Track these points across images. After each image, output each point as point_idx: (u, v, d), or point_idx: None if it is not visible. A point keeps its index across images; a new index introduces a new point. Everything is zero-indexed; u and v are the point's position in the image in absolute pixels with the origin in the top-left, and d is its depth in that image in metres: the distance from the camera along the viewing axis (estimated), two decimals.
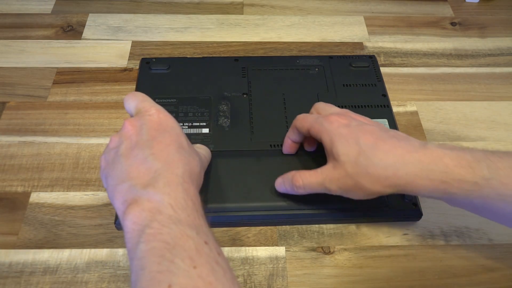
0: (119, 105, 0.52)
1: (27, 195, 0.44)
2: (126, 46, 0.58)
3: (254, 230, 0.42)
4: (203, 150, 0.41)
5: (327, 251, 0.41)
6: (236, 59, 0.54)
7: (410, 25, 0.63)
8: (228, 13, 0.64)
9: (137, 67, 0.55)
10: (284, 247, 0.41)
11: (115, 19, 0.62)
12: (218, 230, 0.42)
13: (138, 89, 0.51)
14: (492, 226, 0.43)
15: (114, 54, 0.57)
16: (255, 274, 0.40)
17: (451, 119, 0.52)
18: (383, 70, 0.56)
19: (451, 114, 0.53)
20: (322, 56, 0.55)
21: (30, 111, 0.51)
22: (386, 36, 0.62)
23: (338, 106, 0.49)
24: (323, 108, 0.42)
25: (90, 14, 0.62)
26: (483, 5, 0.67)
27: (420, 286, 0.39)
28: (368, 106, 0.50)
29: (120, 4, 0.64)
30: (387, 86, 0.53)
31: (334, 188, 0.36)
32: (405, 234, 0.43)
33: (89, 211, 0.43)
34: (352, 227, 0.43)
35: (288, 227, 0.43)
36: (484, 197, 0.31)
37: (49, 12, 0.62)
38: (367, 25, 0.63)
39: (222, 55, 0.58)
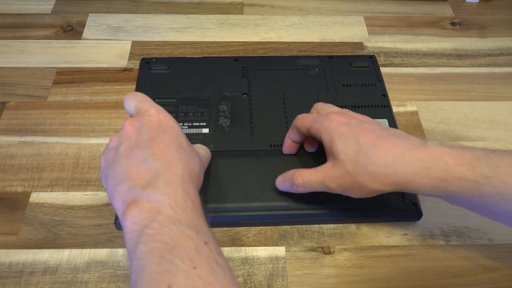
0: (119, 105, 0.52)
1: (27, 195, 0.44)
2: (126, 46, 0.58)
3: (254, 230, 0.42)
4: (203, 150, 0.41)
5: (327, 251, 0.41)
6: (236, 59, 0.54)
7: (410, 25, 0.63)
8: (228, 13, 0.64)
9: (137, 67, 0.55)
10: (284, 247, 0.41)
11: (115, 19, 0.62)
12: (218, 230, 0.42)
13: (138, 89, 0.51)
14: (492, 226, 0.43)
15: (114, 54, 0.57)
16: (255, 274, 0.40)
17: (451, 119, 0.52)
18: (383, 70, 0.56)
19: (451, 114, 0.53)
20: (322, 56, 0.55)
21: (30, 111, 0.51)
22: (386, 36, 0.62)
23: (338, 106, 0.49)
24: (322, 107, 0.42)
25: (90, 14, 0.62)
26: (483, 5, 0.67)
27: (420, 286, 0.39)
28: (368, 106, 0.50)
29: (120, 4, 0.64)
30: (387, 86, 0.53)
31: (333, 186, 0.36)
32: (405, 234, 0.43)
33: (89, 211, 0.43)
34: (352, 227, 0.43)
35: (288, 227, 0.43)
36: (484, 196, 0.31)
37: (49, 12, 0.62)
38: (367, 25, 0.63)
39: (222, 55, 0.58)
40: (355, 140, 0.35)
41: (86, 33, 0.60)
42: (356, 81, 0.52)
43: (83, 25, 0.61)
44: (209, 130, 0.47)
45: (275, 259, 0.41)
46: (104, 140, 0.48)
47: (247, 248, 0.41)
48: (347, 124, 0.37)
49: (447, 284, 0.40)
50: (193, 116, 0.48)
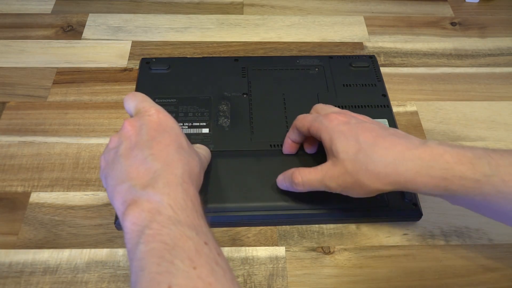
0: (119, 105, 0.52)
1: (27, 195, 0.44)
2: (126, 46, 0.58)
3: (254, 230, 0.42)
4: (203, 150, 0.41)
5: (327, 251, 0.41)
6: (236, 59, 0.54)
7: (410, 25, 0.63)
8: (228, 13, 0.64)
9: (137, 67, 0.55)
10: (284, 247, 0.41)
11: (115, 19, 0.62)
12: (218, 230, 0.42)
13: (138, 89, 0.51)
14: (492, 226, 0.43)
15: (114, 54, 0.57)
16: (255, 274, 0.40)
17: (451, 119, 0.52)
18: (383, 70, 0.56)
19: (451, 114, 0.53)
20: (322, 56, 0.55)
21: (30, 111, 0.51)
22: (386, 36, 0.62)
23: (338, 106, 0.49)
24: (322, 108, 0.42)
25: (90, 14, 0.62)
26: (483, 5, 0.67)
27: (420, 286, 0.39)
28: (368, 106, 0.50)
29: (120, 4, 0.64)
30: (387, 86, 0.53)
31: (333, 185, 0.36)
32: (405, 234, 0.43)
33: (89, 211, 0.43)
34: (352, 227, 0.43)
35: (288, 227, 0.43)
36: (485, 195, 0.31)
37: (49, 12, 0.62)
38: (367, 25, 0.63)
39: (222, 55, 0.58)
40: (355, 139, 0.35)
41: (86, 33, 0.60)
42: (356, 81, 0.52)
43: (83, 25, 0.61)
44: (209, 130, 0.47)
45: (275, 259, 0.41)
46: (104, 140, 0.48)
47: (247, 248, 0.41)
48: (347, 123, 0.37)
49: (447, 284, 0.40)
50: (193, 116, 0.48)
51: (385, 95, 0.51)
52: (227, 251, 0.41)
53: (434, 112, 0.53)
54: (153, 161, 0.31)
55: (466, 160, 0.32)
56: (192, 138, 0.46)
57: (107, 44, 0.58)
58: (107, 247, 0.41)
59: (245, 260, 0.40)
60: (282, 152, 0.45)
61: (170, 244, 0.26)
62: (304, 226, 0.43)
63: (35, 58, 0.56)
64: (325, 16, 0.64)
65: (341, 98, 0.51)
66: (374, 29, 0.62)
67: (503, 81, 0.56)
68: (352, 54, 0.58)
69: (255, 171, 0.44)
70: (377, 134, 0.35)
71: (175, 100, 0.49)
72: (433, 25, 0.63)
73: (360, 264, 0.41)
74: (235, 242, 0.42)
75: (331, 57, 0.55)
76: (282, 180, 0.41)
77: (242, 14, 0.64)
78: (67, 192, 0.44)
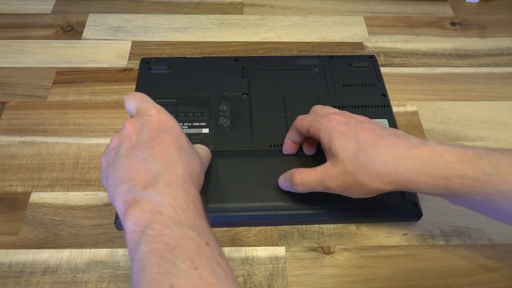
0: (119, 105, 0.52)
1: (27, 195, 0.44)
2: (126, 46, 0.58)
3: (254, 230, 0.42)
4: (203, 150, 0.41)
5: (327, 251, 0.41)
6: (236, 59, 0.54)
7: (410, 25, 0.63)
8: (228, 13, 0.64)
9: (137, 67, 0.55)
10: (284, 247, 0.41)
11: (115, 19, 0.62)
12: (218, 230, 0.42)
13: (138, 89, 0.51)
14: (492, 226, 0.43)
15: (114, 54, 0.57)
16: (255, 274, 0.40)
17: (451, 119, 0.52)
18: (383, 70, 0.56)
19: (451, 114, 0.53)
20: (322, 56, 0.55)
21: (30, 111, 0.51)
22: (386, 36, 0.62)
23: (338, 106, 0.49)
24: (321, 109, 0.42)
25: (90, 14, 0.62)
26: (483, 5, 0.67)
27: (420, 286, 0.39)
28: (368, 106, 0.50)
29: (120, 4, 0.64)
30: (387, 86, 0.53)
31: (333, 186, 0.36)
32: (405, 234, 0.43)
33: (89, 211, 0.43)
34: (352, 227, 0.43)
35: (288, 227, 0.43)
36: (486, 194, 0.31)
37: (49, 12, 0.62)
38: (367, 25, 0.63)
39: (222, 55, 0.58)
40: (354, 138, 0.35)
41: (86, 33, 0.60)
42: (356, 81, 0.52)
43: (83, 25, 0.61)
44: (209, 130, 0.47)
45: (275, 259, 0.41)
46: (104, 140, 0.48)
47: (247, 248, 0.41)
48: (346, 124, 0.37)
49: (447, 284, 0.40)
50: (193, 116, 0.48)
51: (385, 95, 0.51)
52: (227, 251, 0.41)
53: (434, 112, 0.53)
54: (154, 161, 0.31)
55: (467, 159, 0.32)
56: (192, 138, 0.46)
57: (107, 44, 0.58)
58: (107, 247, 0.41)
59: (245, 260, 0.40)
60: (282, 152, 0.45)
61: (171, 245, 0.26)
62: (304, 226, 0.43)
63: (35, 58, 0.56)
64: (325, 16, 0.64)
65: (341, 98, 0.51)
66: (374, 29, 0.62)
67: (503, 81, 0.56)
68: (352, 54, 0.58)
69: (255, 171, 0.44)
70: (377, 134, 0.35)
71: (175, 100, 0.49)
72: (433, 25, 0.63)
73: (360, 264, 0.41)
74: (235, 242, 0.42)
75: (331, 57, 0.55)
76: (283, 181, 0.41)
77: (242, 14, 0.64)
78: (67, 192, 0.44)
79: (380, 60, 0.58)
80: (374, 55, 0.56)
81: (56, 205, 0.43)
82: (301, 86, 0.52)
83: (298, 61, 0.54)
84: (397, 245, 0.42)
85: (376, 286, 0.39)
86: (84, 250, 0.41)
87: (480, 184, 0.31)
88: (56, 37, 0.59)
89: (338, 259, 0.41)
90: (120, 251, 0.41)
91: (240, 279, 0.39)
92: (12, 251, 0.40)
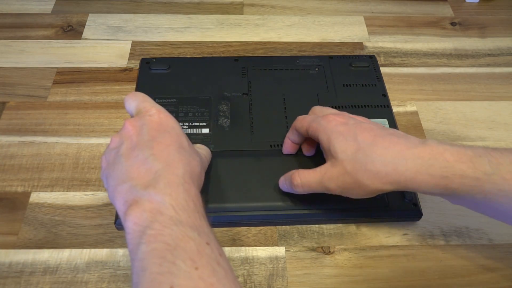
0: (119, 105, 0.52)
1: (27, 195, 0.44)
2: (126, 46, 0.58)
3: (254, 230, 0.42)
4: (203, 150, 0.41)
5: (327, 251, 0.41)
6: (236, 59, 0.54)
7: (410, 25, 0.63)
8: (228, 13, 0.64)
9: (137, 67, 0.55)
10: (284, 247, 0.41)
11: (115, 19, 0.62)
12: (218, 230, 0.42)
13: (138, 89, 0.51)
14: (492, 226, 0.43)
15: (114, 54, 0.57)
16: (255, 274, 0.40)
17: (451, 119, 0.52)
18: (383, 70, 0.56)
19: (451, 114, 0.53)
20: (322, 56, 0.55)
21: (30, 111, 0.51)
22: (386, 36, 0.62)
23: (338, 106, 0.49)
24: (320, 110, 0.42)
25: (90, 14, 0.62)
26: (483, 5, 0.67)
27: (420, 286, 0.39)
28: (368, 106, 0.50)
29: (120, 4, 0.64)
30: (387, 86, 0.53)
31: (333, 186, 0.36)
32: (405, 234, 0.43)
33: (89, 211, 0.43)
34: (352, 227, 0.43)
35: (288, 227, 0.43)
36: (486, 193, 0.31)
37: (49, 12, 0.62)
38: (367, 25, 0.63)
39: (222, 55, 0.58)
40: (353, 139, 0.35)
41: (86, 33, 0.60)
42: (356, 81, 0.52)
43: (83, 25, 0.61)
44: (209, 130, 0.47)
45: (275, 259, 0.41)
46: (104, 140, 0.48)
47: (247, 248, 0.41)
48: (345, 124, 0.37)
49: (447, 284, 0.40)
50: (193, 116, 0.48)
51: (385, 95, 0.51)
52: (227, 251, 0.41)
53: (434, 112, 0.53)
54: (154, 161, 0.31)
55: (466, 159, 0.32)
56: (192, 138, 0.46)
57: (107, 44, 0.58)
58: (107, 247, 0.41)
59: (245, 260, 0.41)
60: (282, 152, 0.45)
61: (172, 245, 0.26)
62: (304, 226, 0.43)
63: (35, 58, 0.56)
64: (325, 16, 0.64)
65: (341, 98, 0.51)
66: (374, 29, 0.62)
67: (503, 81, 0.57)
68: (352, 54, 0.58)
69: (255, 171, 0.44)
70: (376, 134, 0.35)
71: (175, 100, 0.49)
72: (433, 25, 0.64)
73: (360, 264, 0.41)
74: (235, 242, 0.42)
75: (331, 57, 0.55)
76: (283, 182, 0.41)
77: (242, 14, 0.64)
78: (67, 192, 0.44)
79: (380, 60, 0.58)
80: (374, 55, 0.56)
81: (56, 205, 0.43)
82: (301, 86, 0.52)
83: (298, 61, 0.54)
84: (397, 245, 0.42)
85: (376, 286, 0.39)
86: (84, 250, 0.41)
87: (480, 183, 0.31)
88: (56, 37, 0.59)
89: (338, 259, 0.41)
90: (120, 251, 0.41)
91: (240, 279, 0.39)
92: (12, 251, 0.40)
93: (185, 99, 0.50)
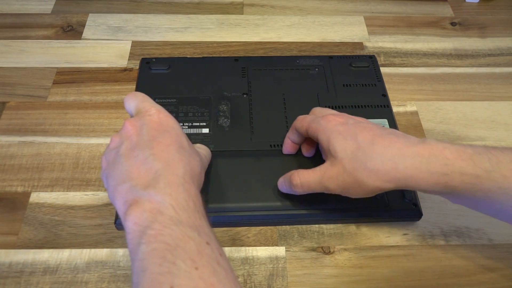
0: (119, 105, 0.52)
1: (27, 195, 0.44)
2: (126, 46, 0.58)
3: (254, 230, 0.42)
4: (203, 150, 0.41)
5: (327, 251, 0.41)
6: (236, 59, 0.54)
7: (410, 25, 0.63)
8: (228, 13, 0.64)
9: (137, 67, 0.55)
10: (284, 247, 0.41)
11: (115, 19, 0.62)
12: (218, 230, 0.42)
13: (138, 89, 0.51)
14: (492, 226, 0.43)
15: (114, 54, 0.57)
16: (255, 274, 0.40)
17: (451, 119, 0.52)
18: (383, 70, 0.56)
19: (451, 114, 0.53)
20: (322, 56, 0.55)
21: (30, 111, 0.51)
22: (386, 36, 0.62)
23: (338, 106, 0.49)
24: (320, 111, 0.42)
25: (90, 14, 0.62)
26: (483, 5, 0.67)
27: (420, 286, 0.39)
28: (368, 106, 0.50)
29: (120, 4, 0.64)
30: (387, 86, 0.53)
31: (332, 186, 0.36)
32: (405, 234, 0.43)
33: (89, 211, 0.43)
34: (352, 227, 0.43)
35: (288, 227, 0.43)
36: (486, 191, 0.31)
37: (49, 12, 0.62)
38: (367, 25, 0.63)
39: (222, 55, 0.58)
40: (353, 138, 0.35)
41: (86, 33, 0.60)
42: (356, 81, 0.52)
43: (83, 25, 0.61)
44: (209, 130, 0.47)
45: (275, 259, 0.41)
46: (104, 140, 0.48)
47: (247, 248, 0.41)
48: (345, 124, 0.37)
49: (447, 284, 0.40)
50: (193, 116, 0.48)
51: (385, 95, 0.51)
52: (227, 251, 0.41)
53: (434, 112, 0.53)
54: (154, 161, 0.31)
55: (466, 156, 0.32)
56: (192, 138, 0.46)
57: (107, 44, 0.58)
58: (107, 247, 0.41)
59: (245, 260, 0.41)
60: (282, 152, 0.45)
61: (172, 245, 0.26)
62: (304, 226, 0.43)
63: (35, 58, 0.56)
64: (325, 16, 0.64)
65: (341, 98, 0.51)
66: (374, 29, 0.62)
67: (503, 81, 0.57)
68: (352, 54, 0.58)
69: (255, 171, 0.44)
70: (375, 133, 0.35)
71: (175, 100, 0.49)
72: (433, 25, 0.64)
73: (360, 264, 0.41)
74: (235, 242, 0.42)
75: (331, 57, 0.55)
76: (282, 183, 0.41)
77: (242, 14, 0.64)
78: (67, 192, 0.44)
79: (380, 60, 0.58)
80: (374, 55, 0.56)
81: (56, 205, 0.43)
82: (301, 86, 0.52)
83: (298, 61, 0.54)
84: (397, 245, 0.42)
85: (376, 286, 0.39)
86: (84, 250, 0.41)
87: (480, 180, 0.31)
88: (56, 37, 0.59)
89: (338, 259, 0.41)
90: (120, 251, 0.41)
91: (240, 279, 0.39)
92: (12, 251, 0.40)
93: (185, 99, 0.50)
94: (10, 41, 0.58)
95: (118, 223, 0.41)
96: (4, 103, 0.51)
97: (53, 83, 0.54)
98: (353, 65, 0.54)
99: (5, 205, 0.43)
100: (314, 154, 0.44)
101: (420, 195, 0.44)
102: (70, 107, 0.51)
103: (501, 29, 0.63)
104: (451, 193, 0.33)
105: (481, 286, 0.40)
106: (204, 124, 0.48)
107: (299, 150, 0.45)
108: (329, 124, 0.37)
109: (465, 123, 0.52)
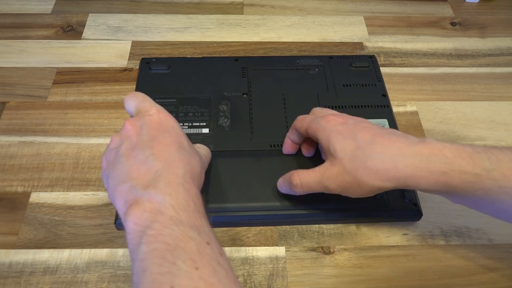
0: (119, 105, 0.52)
1: (27, 195, 0.44)
2: (126, 46, 0.58)
3: (254, 230, 0.42)
4: (203, 150, 0.41)
5: (327, 251, 0.41)
6: (236, 59, 0.54)
7: (410, 25, 0.63)
8: (228, 13, 0.64)
9: (137, 67, 0.55)
10: (284, 247, 0.41)
11: (115, 19, 0.62)
12: (218, 230, 0.42)
13: (138, 89, 0.51)
14: (492, 226, 0.43)
15: (114, 54, 0.57)
16: (255, 274, 0.40)
17: (451, 119, 0.52)
18: (383, 70, 0.56)
19: (451, 114, 0.53)
20: (322, 56, 0.55)
21: (30, 111, 0.51)
22: (386, 36, 0.62)
23: (338, 106, 0.49)
24: (320, 111, 0.42)
25: (90, 14, 0.62)
26: (483, 5, 0.67)
27: (420, 286, 0.39)
28: (368, 106, 0.50)
29: (120, 4, 0.64)
30: (387, 86, 0.53)
31: (332, 186, 0.36)
32: (405, 234, 0.43)
33: (89, 211, 0.43)
34: (352, 227, 0.43)
35: (288, 227, 0.43)
36: (486, 190, 0.31)
37: (49, 12, 0.62)
38: (367, 25, 0.63)
39: (222, 55, 0.58)
40: (352, 137, 0.35)
41: (86, 33, 0.60)
42: (356, 81, 0.52)
43: (83, 25, 0.61)
44: (209, 130, 0.47)
45: (275, 259, 0.41)
46: (104, 140, 0.48)
47: (247, 248, 0.41)
48: (344, 124, 0.37)
49: (447, 284, 0.40)
50: (193, 116, 0.48)
51: (385, 95, 0.51)
52: (227, 251, 0.41)
53: (434, 112, 0.53)
54: (154, 161, 0.31)
55: (466, 155, 0.32)
56: (192, 138, 0.46)
57: (107, 44, 0.58)
58: (107, 247, 0.41)
59: (245, 260, 0.41)
60: (282, 152, 0.45)
61: (172, 245, 0.26)
62: (304, 226, 0.43)
63: (35, 58, 0.56)
64: (325, 16, 0.64)
65: (341, 98, 0.51)
66: (374, 29, 0.62)
67: (503, 81, 0.57)
68: (352, 54, 0.58)
69: (255, 171, 0.44)
70: (375, 133, 0.35)
71: (175, 100, 0.49)
72: (433, 25, 0.64)
73: (360, 264, 0.41)
74: (235, 242, 0.42)
75: (331, 57, 0.55)
76: (282, 183, 0.41)
77: (242, 14, 0.64)
78: (67, 192, 0.44)
79: (380, 60, 0.58)
80: (374, 55, 0.56)
81: (56, 205, 0.43)
82: (301, 86, 0.52)
83: (298, 61, 0.54)
84: (397, 245, 0.42)
85: (376, 286, 0.39)
86: (84, 250, 0.41)
87: (480, 179, 0.31)
88: (56, 37, 0.59)
89: (338, 259, 0.41)
90: (120, 251, 0.41)
91: (240, 279, 0.39)
92: (12, 251, 0.40)
93: (185, 99, 0.50)
94: (10, 41, 0.58)
95: (118, 223, 0.41)
96: (4, 103, 0.51)
97: (53, 83, 0.54)
98: (353, 65, 0.54)
99: (5, 205, 0.43)
100: (314, 154, 0.44)
101: (420, 195, 0.44)
102: (70, 107, 0.51)
103: (501, 29, 0.63)
104: (451, 192, 0.33)
105: (481, 286, 0.40)
106: (204, 124, 0.48)
107: (299, 150, 0.45)
108: (329, 124, 0.37)
109: (465, 123, 0.52)
